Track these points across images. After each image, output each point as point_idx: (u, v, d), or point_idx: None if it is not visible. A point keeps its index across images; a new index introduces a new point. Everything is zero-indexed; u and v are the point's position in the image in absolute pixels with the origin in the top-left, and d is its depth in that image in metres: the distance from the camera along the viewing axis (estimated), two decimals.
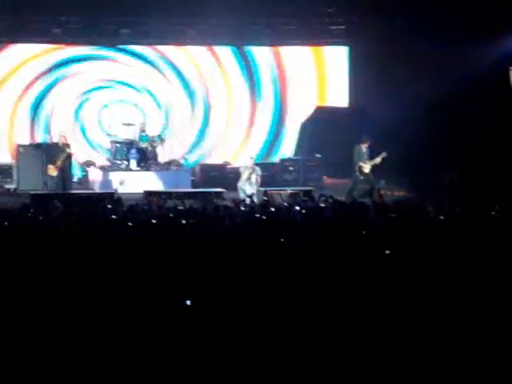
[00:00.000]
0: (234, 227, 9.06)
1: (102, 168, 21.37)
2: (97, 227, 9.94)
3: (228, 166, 22.46)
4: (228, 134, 23.85)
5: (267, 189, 18.70)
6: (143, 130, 21.34)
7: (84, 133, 23.00)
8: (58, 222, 10.71)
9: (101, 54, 23.03)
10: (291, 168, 22.29)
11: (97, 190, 20.17)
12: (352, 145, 18.99)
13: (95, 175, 21.21)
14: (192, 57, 23.61)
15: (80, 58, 22.92)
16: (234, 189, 18.87)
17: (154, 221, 10.74)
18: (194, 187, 20.46)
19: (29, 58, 22.66)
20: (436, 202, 13.62)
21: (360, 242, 8.09)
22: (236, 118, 23.84)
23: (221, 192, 18.34)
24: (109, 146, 21.83)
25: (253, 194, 17.13)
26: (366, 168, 18.60)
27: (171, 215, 11.69)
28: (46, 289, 6.50)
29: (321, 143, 22.74)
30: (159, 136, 21.39)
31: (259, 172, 18.87)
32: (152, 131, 21.64)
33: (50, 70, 22.80)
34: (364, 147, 18.75)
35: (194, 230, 9.11)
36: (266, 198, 17.06)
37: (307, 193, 18.20)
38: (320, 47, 24.19)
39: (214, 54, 23.71)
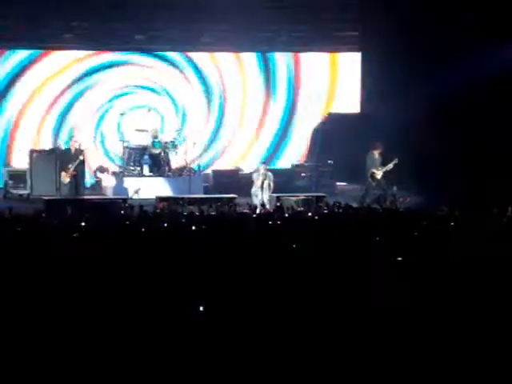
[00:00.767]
0: (251, 232, 9.09)
1: (115, 174, 21.46)
2: (110, 232, 9.98)
3: (240, 172, 22.51)
4: (239, 136, 23.99)
5: (280, 195, 18.72)
6: (156, 136, 21.40)
7: (103, 142, 23.07)
8: (70, 228, 10.75)
9: (123, 59, 23.17)
10: (303, 174, 22.34)
11: (110, 195, 20.24)
12: (363, 151, 18.99)
13: (108, 181, 21.28)
14: (213, 58, 23.74)
15: (103, 66, 23.07)
16: (246, 194, 18.88)
17: (165, 225, 10.78)
18: (206, 193, 20.52)
19: (60, 68, 22.86)
20: (447, 207, 13.60)
21: (373, 248, 8.11)
22: (248, 120, 23.97)
23: (233, 198, 18.36)
24: (122, 152, 21.91)
25: (266, 200, 17.17)
26: (379, 174, 18.62)
27: (183, 220, 11.73)
28: (60, 294, 6.54)
29: (332, 149, 22.75)
30: (172, 142, 21.45)
31: (272, 178, 18.89)
32: (165, 137, 21.71)
33: (77, 81, 22.92)
34: (376, 153, 18.77)
35: (207, 236, 9.14)
36: (279, 204, 17.08)
37: (320, 199, 18.20)
38: (334, 53, 24.26)
39: (236, 57, 23.86)
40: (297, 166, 22.69)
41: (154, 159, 21.15)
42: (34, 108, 22.79)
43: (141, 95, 23.25)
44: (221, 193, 19.79)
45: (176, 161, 21.67)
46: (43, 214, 13.55)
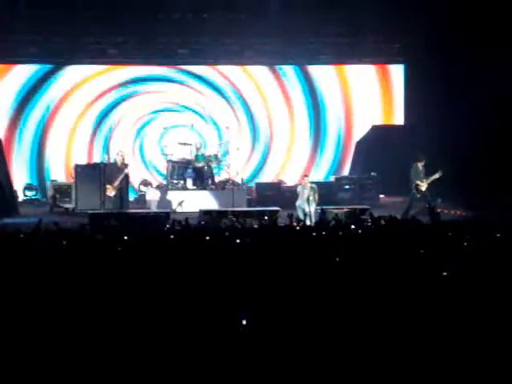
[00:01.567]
0: (294, 245, 9.08)
1: (159, 187, 21.58)
2: (153, 246, 10.01)
3: (283, 185, 22.54)
4: (289, 152, 24.25)
5: (324, 207, 18.66)
6: (199, 149, 21.50)
7: (142, 153, 23.27)
8: (114, 242, 10.80)
9: (166, 75, 23.45)
10: (347, 186, 22.30)
11: (154, 209, 20.33)
12: (407, 163, 18.90)
13: (152, 195, 21.39)
14: (251, 75, 23.92)
15: (145, 78, 23.38)
16: (289, 207, 18.85)
17: (208, 238, 10.77)
18: (249, 206, 20.55)
19: (91, 76, 23.22)
20: (494, 221, 13.44)
21: (418, 261, 8.04)
22: (298, 137, 24.21)
23: (276, 211, 18.35)
24: (163, 167, 22.05)
25: (312, 213, 17.18)
26: (423, 186, 18.51)
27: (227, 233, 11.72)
28: (106, 306, 6.57)
29: (376, 161, 22.70)
30: (215, 156, 21.54)
31: (317, 190, 18.86)
32: (208, 151, 21.83)
33: (111, 90, 23.24)
34: (420, 165, 18.66)
35: (252, 249, 9.13)
36: (323, 217, 17.02)
37: (363, 211, 18.11)
38: (378, 65, 24.26)
39: (274, 72, 24.00)
40: (340, 178, 22.66)
41: (197, 173, 21.25)
42: (85, 122, 23.24)
43: (186, 115, 23.52)
44: (264, 206, 19.81)
45: (219, 174, 21.82)
46: (87, 227, 13.62)
